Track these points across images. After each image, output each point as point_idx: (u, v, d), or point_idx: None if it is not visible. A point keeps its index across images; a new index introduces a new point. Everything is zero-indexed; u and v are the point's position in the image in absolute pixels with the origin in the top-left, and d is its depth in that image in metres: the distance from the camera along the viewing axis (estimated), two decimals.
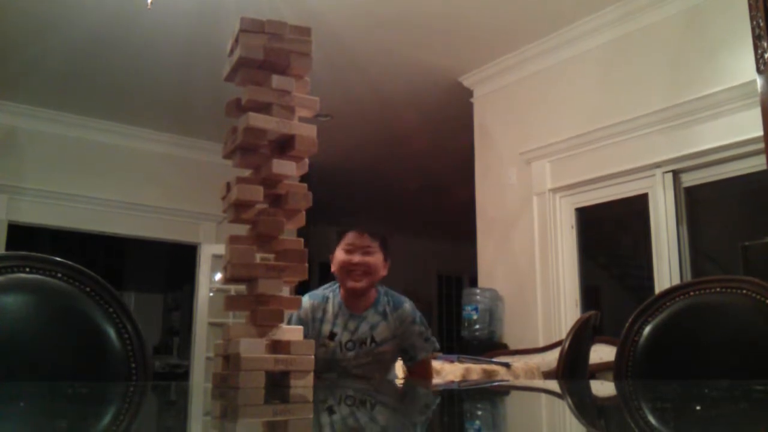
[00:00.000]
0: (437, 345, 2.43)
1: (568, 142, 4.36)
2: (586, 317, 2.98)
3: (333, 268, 2.33)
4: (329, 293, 2.37)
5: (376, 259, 2.31)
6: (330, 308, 2.33)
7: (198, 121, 5.96)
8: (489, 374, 3.07)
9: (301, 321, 2.28)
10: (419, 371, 2.42)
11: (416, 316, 2.39)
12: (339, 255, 2.32)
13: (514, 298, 4.57)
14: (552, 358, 3.55)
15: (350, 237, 2.32)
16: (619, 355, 1.64)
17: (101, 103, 5.69)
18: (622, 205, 4.26)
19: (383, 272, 2.36)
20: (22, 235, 5.71)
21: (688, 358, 1.57)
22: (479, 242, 4.92)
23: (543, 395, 1.33)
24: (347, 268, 2.28)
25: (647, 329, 1.62)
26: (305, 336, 2.00)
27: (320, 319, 2.31)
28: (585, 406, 1.09)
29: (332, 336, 2.28)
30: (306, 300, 2.33)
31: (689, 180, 3.90)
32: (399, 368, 2.55)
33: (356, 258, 2.28)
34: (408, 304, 2.40)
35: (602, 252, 5.43)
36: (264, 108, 1.10)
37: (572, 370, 2.76)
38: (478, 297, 4.59)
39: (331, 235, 2.49)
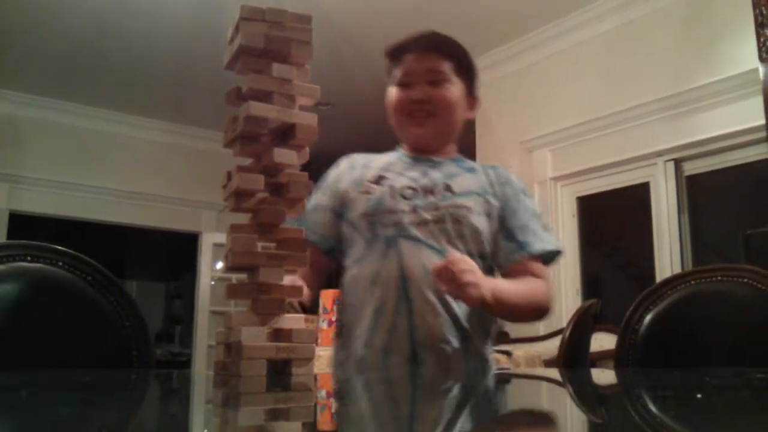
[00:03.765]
0: (562, 244, 1.58)
1: (569, 131, 4.34)
2: (587, 306, 2.98)
3: (389, 114, 1.58)
4: (385, 153, 1.65)
5: (451, 89, 1.54)
6: (383, 157, 1.62)
7: (199, 110, 5.95)
8: None
9: (326, 185, 1.62)
10: (523, 280, 1.46)
11: (525, 188, 1.61)
12: (392, 91, 1.56)
13: None
14: (553, 346, 3.55)
15: (407, 62, 1.53)
16: (619, 343, 1.64)
17: (102, 92, 5.68)
18: (624, 194, 4.25)
19: (466, 113, 1.61)
20: (23, 224, 5.72)
21: (689, 346, 1.57)
22: None
23: (544, 383, 1.34)
24: (405, 109, 1.53)
25: (648, 318, 1.62)
26: (329, 200, 1.56)
27: (362, 166, 1.60)
28: (586, 394, 1.09)
29: (379, 180, 1.54)
30: (343, 158, 1.66)
31: (691, 169, 3.89)
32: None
33: (416, 92, 1.52)
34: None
35: (603, 241, 5.42)
36: (265, 96, 1.10)
37: (573, 358, 2.76)
38: None
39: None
